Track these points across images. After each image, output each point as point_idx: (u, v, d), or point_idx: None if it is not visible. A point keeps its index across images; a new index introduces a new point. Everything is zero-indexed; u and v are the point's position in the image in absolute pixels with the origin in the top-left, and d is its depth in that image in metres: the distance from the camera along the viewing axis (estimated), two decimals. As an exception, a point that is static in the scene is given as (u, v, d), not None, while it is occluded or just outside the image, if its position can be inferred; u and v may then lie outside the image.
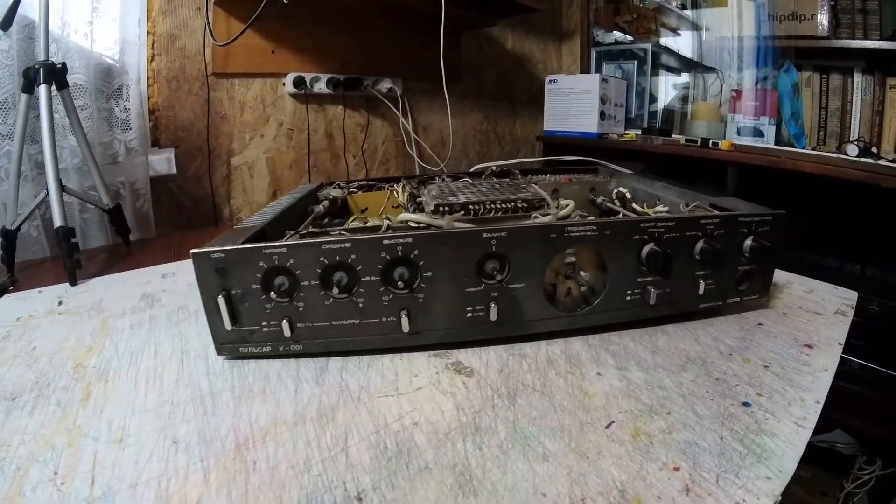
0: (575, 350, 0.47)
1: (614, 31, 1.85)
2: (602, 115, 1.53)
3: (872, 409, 1.00)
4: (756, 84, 1.55)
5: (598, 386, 0.41)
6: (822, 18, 1.45)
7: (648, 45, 1.73)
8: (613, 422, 0.36)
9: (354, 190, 0.79)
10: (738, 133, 1.53)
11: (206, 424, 0.37)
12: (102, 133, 1.02)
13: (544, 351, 0.47)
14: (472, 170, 0.85)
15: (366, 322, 0.44)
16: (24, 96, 0.73)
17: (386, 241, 0.41)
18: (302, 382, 0.42)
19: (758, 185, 1.29)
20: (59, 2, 0.92)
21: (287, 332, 0.43)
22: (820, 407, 0.38)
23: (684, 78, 1.79)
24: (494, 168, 0.82)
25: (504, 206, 0.57)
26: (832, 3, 1.43)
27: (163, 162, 1.11)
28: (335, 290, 0.42)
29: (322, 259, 0.41)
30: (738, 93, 1.56)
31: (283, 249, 0.41)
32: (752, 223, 0.50)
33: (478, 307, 0.45)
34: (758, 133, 1.51)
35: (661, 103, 1.79)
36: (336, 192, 0.76)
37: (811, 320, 0.55)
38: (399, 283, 0.42)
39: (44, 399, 0.41)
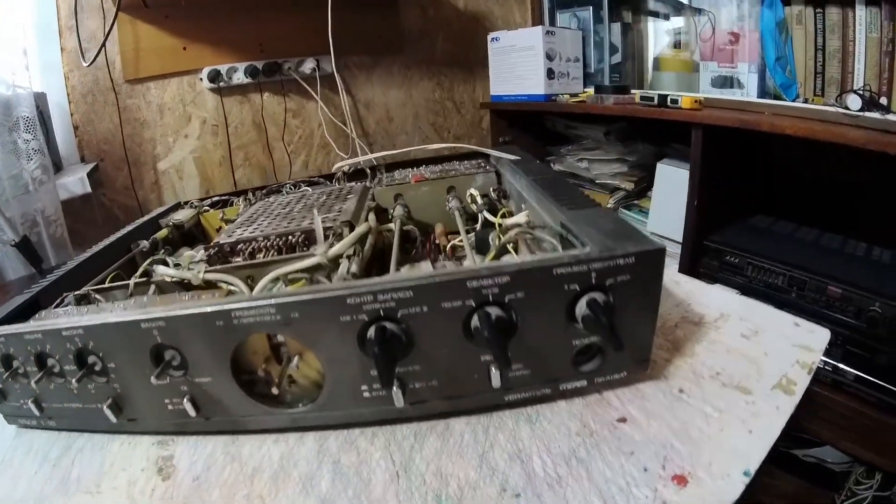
0: (299, 456, 0.37)
1: None
2: (550, 74, 1.39)
3: (867, 429, 0.85)
4: (734, 26, 1.25)
5: None
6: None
7: None
8: None
9: (207, 208, 0.76)
10: (714, 84, 1.28)
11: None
12: (11, 165, 1.02)
13: (263, 453, 0.38)
14: (333, 168, 0.79)
15: (86, 407, 0.41)
16: None
17: (65, 333, 0.38)
18: (45, 462, 0.41)
19: (735, 151, 1.09)
20: None
21: (36, 412, 0.42)
22: None
23: (664, 23, 1.50)
24: (347, 169, 0.76)
25: (277, 242, 0.51)
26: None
27: (77, 183, 1.11)
28: (45, 377, 0.39)
29: (28, 348, 0.39)
30: (709, 36, 1.28)
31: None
32: (592, 273, 0.33)
33: (174, 400, 0.39)
34: (736, 84, 1.25)
35: (641, 54, 1.52)
36: (183, 215, 0.73)
37: (720, 409, 0.35)
38: (92, 373, 0.39)
39: None
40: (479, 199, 0.59)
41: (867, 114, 0.95)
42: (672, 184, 1.20)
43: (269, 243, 0.51)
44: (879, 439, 0.84)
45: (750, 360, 0.39)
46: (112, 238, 0.63)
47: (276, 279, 0.43)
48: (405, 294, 0.33)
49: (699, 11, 1.32)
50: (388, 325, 0.33)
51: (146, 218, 0.71)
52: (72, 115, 1.17)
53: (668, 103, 1.10)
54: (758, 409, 0.34)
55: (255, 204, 0.69)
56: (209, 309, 0.35)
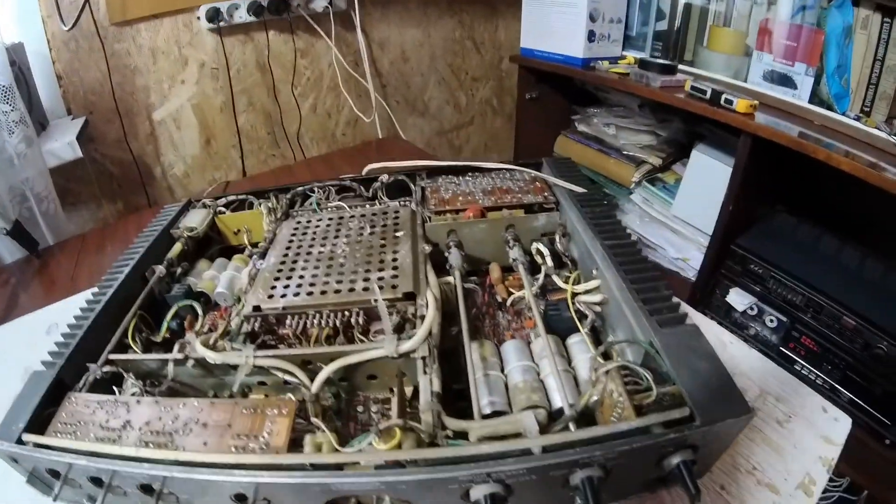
0: None
1: None
2: (591, 36, 1.23)
3: (854, 450, 0.84)
4: (794, 16, 1.07)
5: None
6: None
7: None
8: None
9: (223, 210, 0.68)
10: (766, 78, 1.12)
11: None
12: None
13: None
14: (364, 172, 0.71)
15: None
16: None
17: (125, 472, 0.33)
18: None
19: (780, 159, 0.97)
20: None
21: None
22: None
23: None
24: (386, 178, 0.67)
25: (335, 318, 0.44)
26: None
27: (65, 148, 0.99)
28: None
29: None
30: (769, 24, 1.11)
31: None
32: (685, 438, 0.30)
33: None
34: (789, 82, 1.09)
35: (676, 20, 1.29)
36: (196, 220, 0.65)
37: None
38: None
39: None
40: (547, 258, 0.51)
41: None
42: (707, 175, 1.13)
43: (322, 319, 0.44)
44: (865, 461, 0.87)
45: (781, 455, 0.43)
46: (124, 267, 0.55)
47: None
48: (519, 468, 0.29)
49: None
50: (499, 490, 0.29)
51: (155, 228, 0.63)
52: (54, 63, 1.03)
53: (722, 102, 0.98)
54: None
55: (283, 224, 0.61)
56: (309, 480, 0.31)
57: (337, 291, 0.45)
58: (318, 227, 0.58)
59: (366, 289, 0.45)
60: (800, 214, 1.11)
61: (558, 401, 0.36)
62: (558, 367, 0.38)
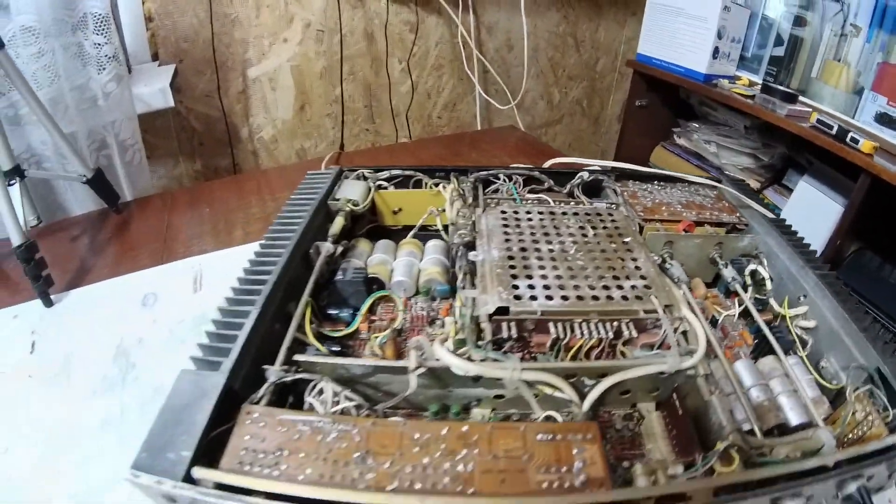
0: None
1: None
2: (715, 53, 1.17)
3: None
4: None
5: None
6: None
7: None
8: None
9: (384, 184, 0.58)
10: (877, 120, 1.09)
11: None
12: (75, 74, 0.78)
13: None
14: (546, 165, 0.62)
15: None
16: None
17: None
18: None
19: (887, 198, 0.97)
20: None
21: None
22: None
23: (814, 14, 1.21)
24: (586, 176, 0.59)
25: (600, 328, 0.37)
26: None
27: (156, 94, 0.88)
28: None
29: None
30: (886, 67, 1.09)
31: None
32: None
33: None
34: None
35: (793, 48, 1.26)
36: (357, 192, 0.55)
37: None
38: None
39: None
40: (767, 283, 0.49)
41: None
42: (811, 207, 1.11)
43: (587, 328, 0.37)
44: None
45: None
46: (283, 241, 0.45)
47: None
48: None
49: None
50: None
51: (310, 197, 0.53)
52: (144, 2, 0.92)
53: (848, 141, 0.96)
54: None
55: (483, 212, 0.51)
56: None
57: (595, 298, 0.39)
58: (530, 220, 0.50)
59: (625, 297, 0.39)
60: (880, 253, 1.09)
61: (793, 418, 0.36)
62: (791, 386, 0.38)
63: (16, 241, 0.54)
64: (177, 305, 0.56)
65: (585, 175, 0.59)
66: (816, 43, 1.20)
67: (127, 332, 0.52)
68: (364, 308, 0.45)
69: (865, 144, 0.94)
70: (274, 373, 0.33)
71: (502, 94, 1.38)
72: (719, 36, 1.16)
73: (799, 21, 1.23)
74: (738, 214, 0.54)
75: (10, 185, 0.56)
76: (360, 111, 1.21)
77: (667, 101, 1.38)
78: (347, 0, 1.08)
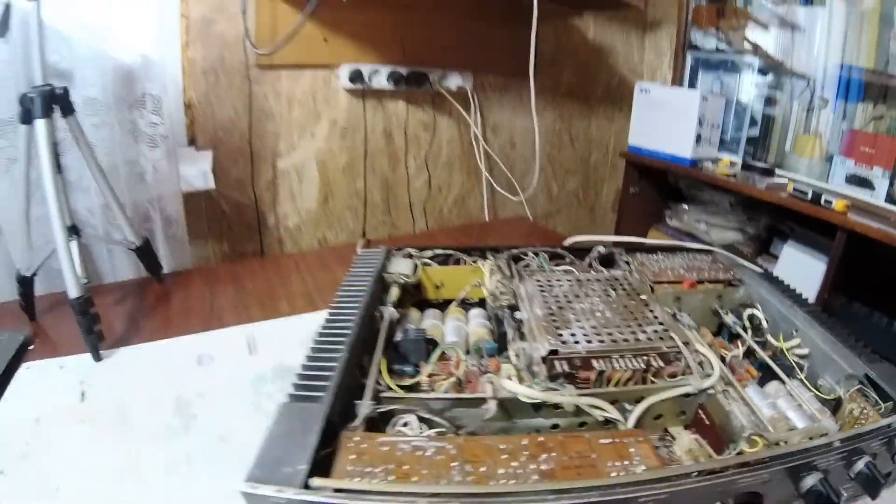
0: None
1: (712, 37, 1.57)
2: (698, 139, 1.32)
3: None
4: (869, 123, 1.27)
5: None
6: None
7: (756, 60, 1.44)
8: None
9: (428, 261, 0.65)
10: (847, 181, 1.27)
11: None
12: (127, 148, 0.87)
13: None
14: (567, 243, 0.71)
15: None
16: (22, 127, 0.59)
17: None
18: None
19: (868, 254, 1.11)
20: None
21: None
22: None
23: (779, 96, 1.45)
24: (602, 250, 0.66)
25: (634, 363, 0.44)
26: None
27: (198, 176, 0.97)
28: None
29: None
30: (850, 133, 1.29)
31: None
32: None
33: None
34: (867, 184, 1.24)
35: (757, 128, 1.48)
36: (406, 268, 0.62)
37: None
38: None
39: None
40: (763, 322, 0.56)
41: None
42: (797, 269, 1.25)
43: (623, 363, 0.44)
44: None
45: None
46: (352, 306, 0.51)
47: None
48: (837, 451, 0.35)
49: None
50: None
51: (366, 272, 0.59)
52: (184, 91, 1.02)
53: (822, 203, 1.11)
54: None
55: (520, 282, 0.58)
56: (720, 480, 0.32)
57: (626, 340, 0.46)
58: (561, 286, 0.57)
59: (649, 338, 0.47)
60: (865, 302, 1.18)
61: (800, 423, 0.43)
62: (795, 402, 0.45)
63: (73, 293, 0.57)
64: (234, 365, 0.59)
65: (602, 249, 0.67)
66: (787, 119, 1.37)
67: (185, 387, 0.55)
68: (434, 357, 0.48)
69: (838, 204, 1.08)
70: (366, 406, 0.37)
71: (508, 188, 1.49)
72: (700, 123, 1.32)
73: (770, 101, 1.41)
74: (731, 272, 0.62)
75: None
76: (378, 204, 1.31)
77: (657, 186, 1.51)
78: (369, 101, 1.21)
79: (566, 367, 0.43)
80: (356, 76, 1.15)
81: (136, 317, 0.70)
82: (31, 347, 0.61)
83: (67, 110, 0.63)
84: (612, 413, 0.40)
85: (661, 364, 0.45)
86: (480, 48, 1.31)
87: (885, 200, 1.18)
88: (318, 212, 1.22)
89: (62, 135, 0.65)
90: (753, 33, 1.43)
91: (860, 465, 0.35)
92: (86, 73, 0.79)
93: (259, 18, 1.03)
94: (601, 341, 0.46)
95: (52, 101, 0.59)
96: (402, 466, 0.31)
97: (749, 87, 1.44)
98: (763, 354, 0.51)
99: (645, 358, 0.44)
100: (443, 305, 0.63)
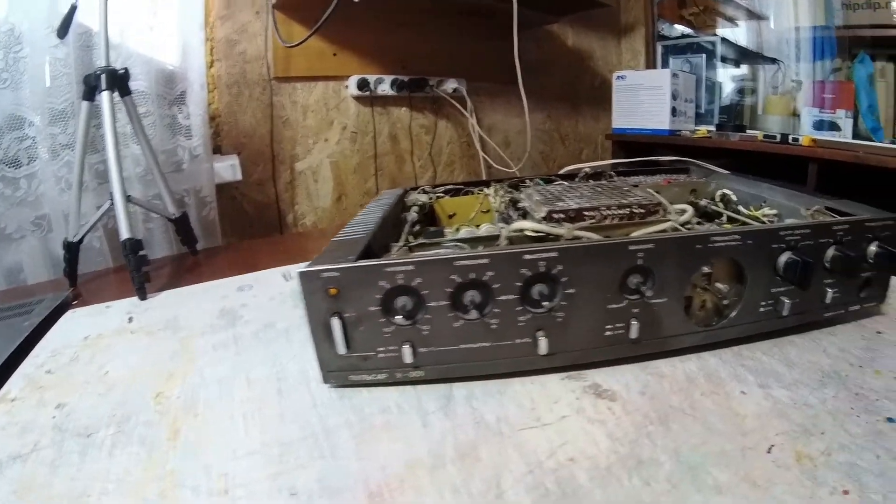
0: (711, 366, 0.43)
1: (678, 25, 1.75)
2: (674, 112, 1.45)
3: None
4: (830, 76, 1.46)
5: (746, 406, 0.37)
6: (899, 5, 1.33)
7: (717, 38, 1.64)
8: (773, 445, 0.33)
9: (441, 194, 0.74)
10: (815, 127, 1.44)
11: (327, 470, 0.32)
12: (166, 140, 0.99)
13: (680, 369, 0.42)
14: (561, 172, 0.79)
15: (497, 345, 0.39)
16: (84, 104, 0.71)
17: (528, 256, 0.36)
18: (428, 414, 0.37)
19: (839, 182, 1.20)
20: (117, 9, 0.89)
21: (408, 358, 0.38)
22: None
23: (745, 70, 1.69)
24: (588, 170, 0.75)
25: (620, 211, 0.51)
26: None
27: (227, 169, 1.08)
28: (468, 311, 0.36)
29: (454, 277, 0.36)
30: (814, 85, 1.48)
31: (411, 267, 0.35)
32: (878, 227, 0.46)
33: (618, 325, 0.41)
34: (834, 127, 1.42)
35: (729, 98, 1.69)
36: (423, 198, 0.71)
37: None
38: (539, 301, 0.37)
39: (124, 436, 0.36)
40: (733, 198, 0.65)
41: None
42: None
43: (611, 211, 0.51)
44: None
45: None
46: (373, 210, 0.59)
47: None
48: (805, 231, 0.43)
49: (776, 62, 1.55)
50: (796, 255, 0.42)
51: (389, 198, 0.68)
52: (210, 104, 1.15)
53: (790, 141, 1.22)
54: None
55: (523, 191, 0.66)
56: (695, 233, 0.41)
57: (613, 203, 0.53)
58: (559, 190, 0.64)
59: (633, 201, 0.53)
60: None
61: None
62: None
63: (125, 234, 0.65)
64: (272, 290, 0.64)
65: (588, 169, 0.75)
66: (756, 86, 1.58)
67: (228, 302, 0.60)
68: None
69: (805, 139, 1.19)
70: (398, 246, 0.45)
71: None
72: (674, 97, 1.44)
73: (737, 75, 1.63)
74: (700, 177, 0.73)
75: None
76: (387, 201, 1.41)
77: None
78: (376, 108, 1.33)
79: (564, 218, 0.50)
80: (363, 84, 1.28)
81: (175, 277, 0.78)
82: (74, 302, 0.67)
83: (125, 91, 0.74)
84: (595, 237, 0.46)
85: (643, 212, 0.51)
86: (472, 59, 1.45)
87: (853, 137, 1.35)
88: (332, 210, 1.33)
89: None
90: (712, 15, 1.60)
91: (830, 252, 0.44)
92: (134, 69, 0.91)
93: (275, 37, 1.17)
94: (592, 205, 0.52)
95: (114, 80, 0.71)
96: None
97: (715, 63, 1.61)
98: (739, 217, 0.58)
99: (629, 209, 0.52)
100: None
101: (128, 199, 0.72)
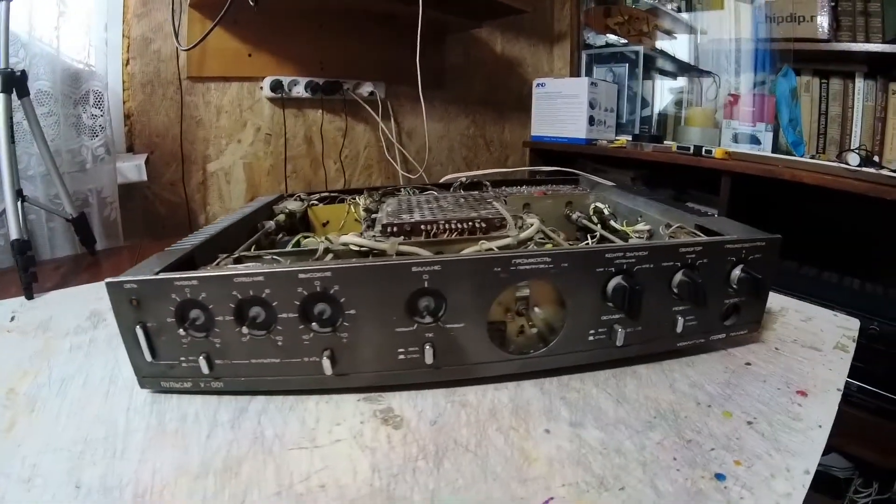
0: (526, 397, 0.41)
1: (606, 34, 1.81)
2: (591, 121, 1.49)
3: (869, 433, 0.98)
4: (753, 89, 1.48)
5: (543, 447, 0.35)
6: (822, 20, 1.37)
7: (640, 49, 1.68)
8: (552, 499, 0.30)
9: (315, 202, 0.76)
10: (734, 140, 1.47)
11: (111, 469, 0.34)
12: (70, 140, 0.98)
13: (490, 398, 0.41)
14: (441, 181, 0.82)
15: (287, 362, 0.40)
16: None
17: (302, 276, 0.38)
18: (217, 426, 0.39)
19: (754, 197, 1.23)
20: (25, 7, 0.89)
21: (205, 369, 0.40)
22: (809, 479, 0.31)
23: (680, 82, 1.74)
24: (464, 180, 0.78)
25: (460, 226, 0.52)
26: (832, 4, 1.36)
27: (133, 169, 1.08)
28: (250, 327, 0.39)
29: (235, 293, 0.38)
30: (734, 98, 1.50)
31: (194, 282, 0.38)
32: (742, 250, 0.44)
33: (411, 349, 0.40)
34: (754, 140, 1.45)
35: (656, 108, 1.74)
36: (294, 205, 0.73)
37: (807, 358, 0.48)
38: (319, 321, 0.39)
39: (-31, 427, 0.39)
40: (605, 212, 0.67)
41: (864, 168, 1.15)
42: None
43: (450, 226, 0.52)
44: (879, 441, 0.97)
45: (813, 334, 0.53)
46: (235, 216, 0.62)
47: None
48: (641, 253, 0.42)
49: (709, 74, 1.59)
50: (624, 280, 0.41)
51: (258, 204, 0.70)
52: (125, 103, 1.14)
53: (703, 153, 1.25)
54: (828, 360, 0.48)
55: (388, 199, 0.69)
56: (492, 254, 0.40)
57: (459, 218, 0.54)
58: (418, 199, 0.67)
59: (480, 216, 0.54)
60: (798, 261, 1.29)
61: None
62: None
63: (14, 235, 0.66)
64: None
65: (464, 179, 0.78)
66: (679, 97, 1.61)
67: (100, 305, 0.62)
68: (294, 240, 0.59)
69: (718, 151, 1.22)
70: (224, 257, 0.48)
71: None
72: (592, 106, 1.49)
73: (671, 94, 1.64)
74: (584, 189, 0.74)
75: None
76: (301, 203, 1.42)
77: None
78: (290, 110, 1.34)
79: (397, 231, 0.52)
80: (276, 86, 1.29)
81: (68, 277, 0.78)
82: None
83: (23, 92, 0.74)
84: (425, 254, 0.46)
85: (484, 226, 0.52)
86: (392, 63, 1.47)
87: (773, 151, 1.39)
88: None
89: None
90: (637, 25, 1.66)
91: (678, 277, 0.43)
92: (39, 69, 0.90)
93: (190, 37, 1.16)
94: (435, 218, 0.53)
95: (11, 82, 0.71)
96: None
97: (638, 73, 1.66)
98: (609, 235, 0.57)
99: (470, 223, 0.52)
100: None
101: (23, 199, 0.72)
